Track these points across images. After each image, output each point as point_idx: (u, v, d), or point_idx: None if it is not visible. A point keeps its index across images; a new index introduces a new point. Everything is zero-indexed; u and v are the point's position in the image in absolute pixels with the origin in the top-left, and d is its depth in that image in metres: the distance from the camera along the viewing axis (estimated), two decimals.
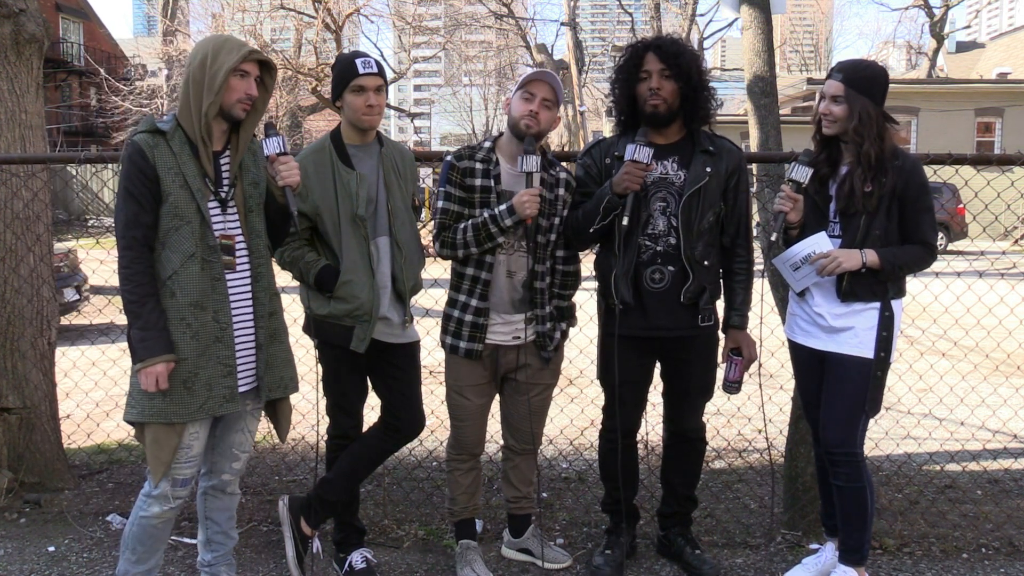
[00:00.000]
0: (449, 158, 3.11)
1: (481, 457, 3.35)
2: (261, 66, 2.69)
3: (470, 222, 3.03)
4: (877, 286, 2.92)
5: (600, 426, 3.35)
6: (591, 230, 3.07)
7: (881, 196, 2.89)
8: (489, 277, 3.07)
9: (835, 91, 2.91)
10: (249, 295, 2.72)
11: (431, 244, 3.17)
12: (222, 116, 2.64)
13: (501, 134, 3.19)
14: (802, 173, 2.94)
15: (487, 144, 3.16)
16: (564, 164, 3.32)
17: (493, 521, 3.78)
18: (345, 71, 2.99)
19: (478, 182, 3.08)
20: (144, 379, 2.53)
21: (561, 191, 3.16)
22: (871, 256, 2.88)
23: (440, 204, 3.09)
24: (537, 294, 3.12)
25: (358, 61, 2.97)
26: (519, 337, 3.14)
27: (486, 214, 3.01)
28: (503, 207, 3.00)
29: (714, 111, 3.09)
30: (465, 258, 3.08)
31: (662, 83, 2.99)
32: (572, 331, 3.35)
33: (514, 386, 3.23)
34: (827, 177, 3.01)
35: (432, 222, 3.17)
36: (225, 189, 2.69)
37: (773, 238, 3.00)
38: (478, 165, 3.09)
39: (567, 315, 3.29)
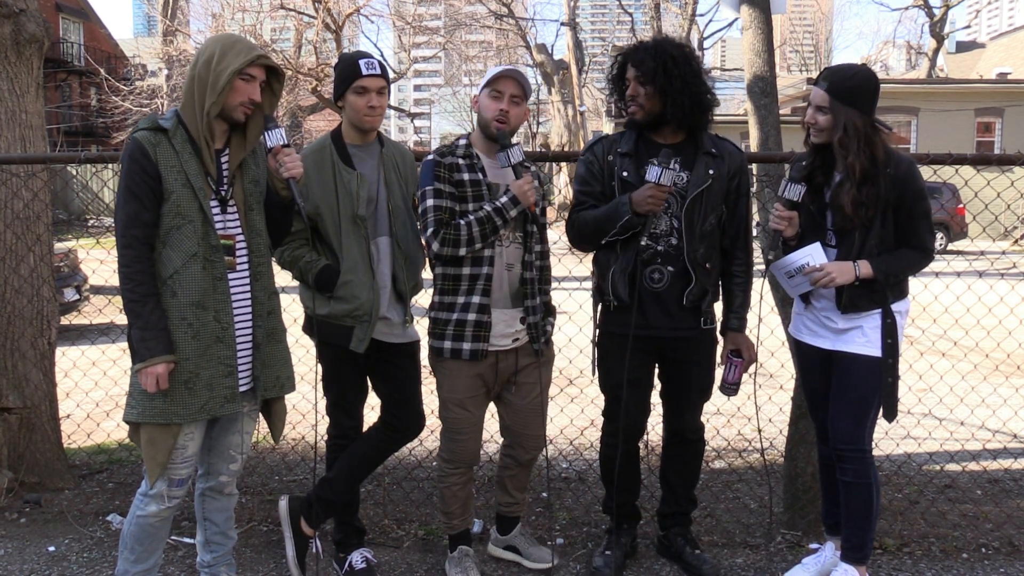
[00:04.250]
0: (432, 156, 3.06)
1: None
2: (269, 71, 2.69)
3: (472, 217, 2.97)
4: (876, 294, 2.91)
5: (601, 429, 3.34)
6: (604, 241, 3.09)
7: (874, 208, 2.85)
8: (491, 271, 3.02)
9: (820, 101, 2.87)
10: (248, 294, 2.71)
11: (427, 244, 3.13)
12: (222, 117, 2.63)
13: (469, 134, 3.18)
14: (795, 191, 2.93)
15: (462, 142, 3.12)
16: (563, 164, 3.36)
17: (492, 521, 3.77)
18: (348, 71, 2.98)
19: (466, 176, 3.03)
20: (144, 379, 2.52)
21: (536, 184, 3.13)
22: (864, 268, 2.86)
23: (431, 202, 2.97)
24: (528, 285, 3.10)
25: (361, 62, 2.97)
26: (518, 339, 3.12)
27: (487, 207, 2.97)
28: (505, 199, 2.98)
29: (708, 112, 3.06)
30: (461, 257, 3.00)
31: (637, 89, 3.03)
32: (572, 331, 3.35)
33: (514, 391, 3.17)
34: (822, 185, 2.98)
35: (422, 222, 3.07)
36: (225, 188, 2.68)
37: (771, 257, 3.02)
38: (461, 161, 3.05)
39: (550, 310, 3.27)
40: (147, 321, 2.52)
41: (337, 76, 3.03)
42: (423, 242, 3.08)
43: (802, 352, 3.17)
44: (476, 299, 3.02)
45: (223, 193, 2.67)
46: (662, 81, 2.96)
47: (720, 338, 3.22)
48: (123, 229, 2.54)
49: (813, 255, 2.93)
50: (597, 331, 3.24)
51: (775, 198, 3.08)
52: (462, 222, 2.96)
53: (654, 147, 3.06)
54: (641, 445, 3.44)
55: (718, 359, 3.22)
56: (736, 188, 3.11)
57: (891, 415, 2.97)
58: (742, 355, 3.17)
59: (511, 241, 3.07)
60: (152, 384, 2.52)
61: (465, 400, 3.08)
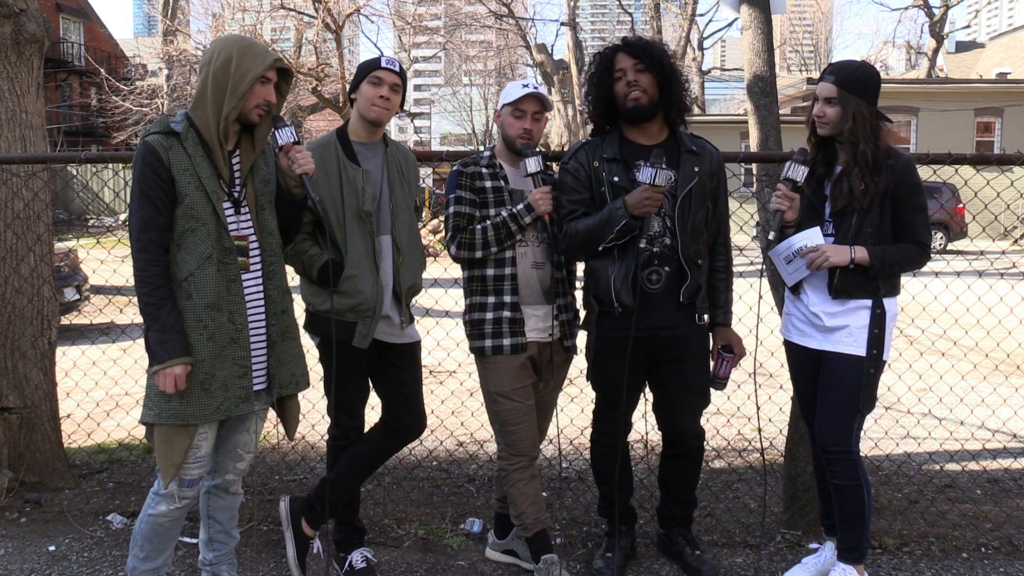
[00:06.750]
0: (456, 167, 3.19)
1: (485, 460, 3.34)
2: (279, 72, 2.71)
3: (488, 222, 3.09)
4: (868, 283, 2.93)
5: (592, 429, 3.35)
6: (600, 248, 3.05)
7: (874, 194, 2.90)
8: (514, 271, 3.12)
9: (828, 93, 2.93)
10: (262, 294, 2.72)
11: (432, 244, 3.19)
12: (237, 119, 2.64)
13: (494, 145, 3.32)
14: (798, 172, 2.96)
15: (486, 153, 3.24)
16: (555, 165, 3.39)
17: (491, 522, 3.78)
18: (368, 65, 3.10)
19: (488, 184, 3.15)
20: (162, 380, 2.53)
21: (552, 195, 3.19)
22: (860, 253, 2.89)
23: (452, 209, 3.13)
24: (558, 284, 3.20)
25: (383, 59, 3.09)
26: (552, 334, 3.20)
27: (504, 213, 3.08)
28: (521, 206, 3.08)
29: (691, 101, 3.15)
30: (481, 259, 3.11)
31: (638, 76, 3.05)
32: None
33: (539, 385, 3.26)
34: (823, 177, 3.03)
35: (442, 226, 3.20)
36: (238, 189, 2.69)
37: (771, 237, 3.02)
38: (484, 170, 3.17)
39: (577, 314, 3.34)
40: (164, 324, 2.53)
41: (356, 71, 3.15)
42: (423, 243, 3.12)
43: (792, 354, 3.19)
44: (507, 298, 3.12)
45: (236, 195, 2.68)
46: (667, 69, 3.03)
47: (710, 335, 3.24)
48: (137, 233, 2.53)
49: (812, 237, 2.96)
50: (592, 336, 3.23)
51: (777, 183, 3.09)
52: (478, 227, 3.09)
53: (639, 149, 3.09)
54: (640, 444, 3.44)
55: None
56: (716, 186, 3.19)
57: (868, 406, 2.99)
58: (733, 350, 3.20)
59: (540, 241, 3.17)
60: (171, 385, 2.53)
61: (512, 391, 3.14)
